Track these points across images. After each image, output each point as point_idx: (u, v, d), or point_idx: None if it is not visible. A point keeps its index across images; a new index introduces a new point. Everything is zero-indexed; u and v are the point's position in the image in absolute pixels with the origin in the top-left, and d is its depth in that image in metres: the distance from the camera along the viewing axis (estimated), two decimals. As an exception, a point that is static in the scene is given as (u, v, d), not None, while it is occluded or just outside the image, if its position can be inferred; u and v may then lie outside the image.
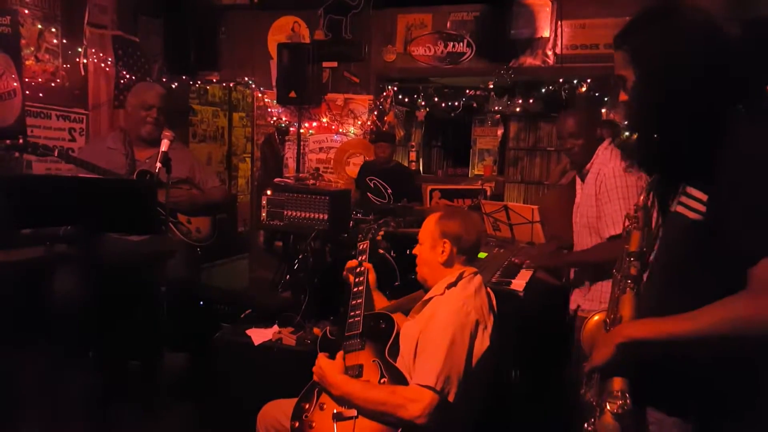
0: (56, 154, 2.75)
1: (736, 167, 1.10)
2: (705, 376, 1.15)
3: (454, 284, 1.82)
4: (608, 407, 1.14)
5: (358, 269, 2.15)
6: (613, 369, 1.18)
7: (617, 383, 1.17)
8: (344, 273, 2.21)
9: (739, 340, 1.05)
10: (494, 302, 1.89)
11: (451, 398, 1.62)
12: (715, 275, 1.12)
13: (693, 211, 1.16)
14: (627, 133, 1.46)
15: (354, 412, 1.68)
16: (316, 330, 2.57)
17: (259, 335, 2.53)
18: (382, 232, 2.55)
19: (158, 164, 2.36)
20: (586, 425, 1.19)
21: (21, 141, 2.75)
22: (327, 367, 1.78)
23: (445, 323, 1.69)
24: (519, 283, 2.48)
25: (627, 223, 1.39)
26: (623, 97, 1.34)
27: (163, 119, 3.01)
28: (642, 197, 1.39)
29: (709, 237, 1.12)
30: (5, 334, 1.96)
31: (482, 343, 1.73)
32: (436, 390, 1.59)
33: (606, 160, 2.28)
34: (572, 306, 2.45)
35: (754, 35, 1.26)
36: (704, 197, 1.14)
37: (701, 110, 1.15)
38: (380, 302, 2.17)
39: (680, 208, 1.20)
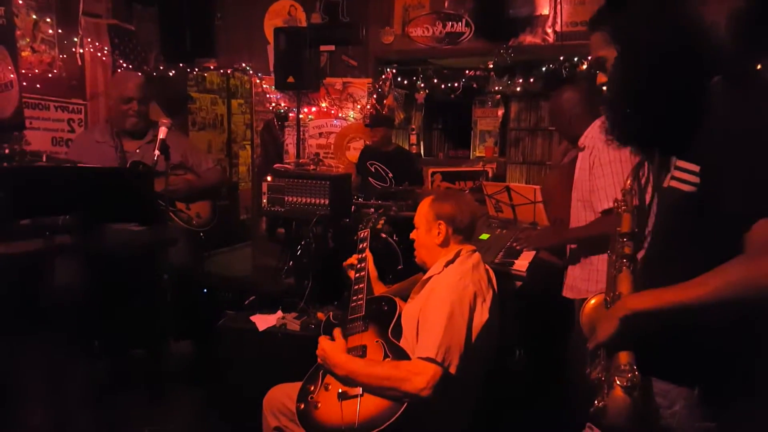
0: (44, 160, 2.72)
1: (724, 135, 1.10)
2: (707, 343, 1.16)
3: (452, 261, 1.86)
4: (617, 381, 1.15)
5: (359, 256, 2.19)
6: (618, 343, 1.19)
7: (624, 357, 1.18)
8: (344, 264, 2.23)
9: (739, 303, 1.06)
10: (493, 279, 1.91)
11: (452, 370, 1.64)
12: (712, 245, 1.12)
13: (686, 184, 1.17)
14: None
15: (359, 391, 1.70)
16: (320, 315, 2.58)
17: (263, 321, 2.54)
18: (382, 221, 2.56)
19: (156, 152, 2.35)
20: (596, 402, 1.20)
21: (7, 151, 2.73)
22: (329, 348, 1.81)
23: (443, 296, 1.73)
24: (522, 264, 2.48)
25: (616, 206, 1.41)
26: (602, 78, 1.35)
27: (145, 108, 2.98)
28: (629, 182, 1.41)
29: (704, 207, 1.13)
30: (8, 326, 1.97)
31: (481, 315, 1.76)
32: (437, 362, 1.62)
33: (599, 134, 2.27)
34: (567, 281, 2.45)
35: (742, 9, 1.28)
36: (696, 168, 1.15)
37: (685, 83, 1.16)
38: (380, 291, 2.21)
39: (674, 183, 1.21)
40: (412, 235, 2.04)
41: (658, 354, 1.19)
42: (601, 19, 1.31)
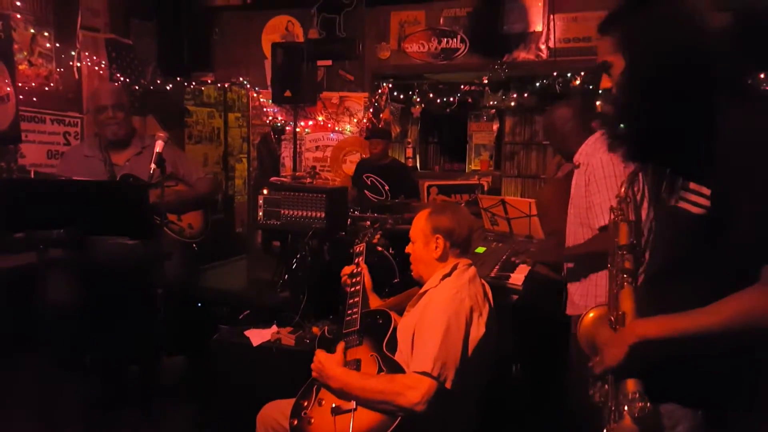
0: (32, 176, 2.70)
1: (739, 160, 1.08)
2: (712, 366, 1.14)
3: (448, 275, 1.84)
4: (627, 410, 1.13)
5: (354, 270, 2.18)
6: (627, 369, 1.16)
7: (632, 384, 1.16)
8: (342, 281, 2.21)
9: (751, 333, 1.05)
10: (489, 293, 1.90)
11: (448, 385, 1.63)
12: (722, 271, 1.10)
13: (696, 206, 1.15)
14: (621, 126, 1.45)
15: (352, 405, 1.68)
16: (315, 329, 2.56)
17: (257, 336, 2.52)
18: (378, 235, 2.56)
19: (152, 165, 2.34)
20: (605, 430, 1.18)
21: None
22: (326, 360, 1.80)
23: (439, 310, 1.71)
24: (518, 277, 2.48)
25: (612, 216, 1.38)
26: (606, 83, 1.32)
27: (123, 115, 2.91)
28: (623, 189, 1.38)
29: (716, 232, 1.11)
30: (0, 341, 1.95)
31: (478, 329, 1.75)
32: (433, 376, 1.60)
33: (594, 151, 2.28)
34: (569, 299, 2.45)
35: (744, 24, 1.25)
36: (707, 191, 1.12)
37: (695, 99, 1.13)
38: (375, 304, 2.19)
39: (682, 204, 1.18)
40: (407, 249, 2.01)
41: (665, 376, 1.17)
42: (610, 23, 1.27)
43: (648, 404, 1.13)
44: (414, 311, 1.84)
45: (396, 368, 1.74)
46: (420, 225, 1.95)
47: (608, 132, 1.26)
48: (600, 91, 1.36)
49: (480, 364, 1.77)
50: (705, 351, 1.12)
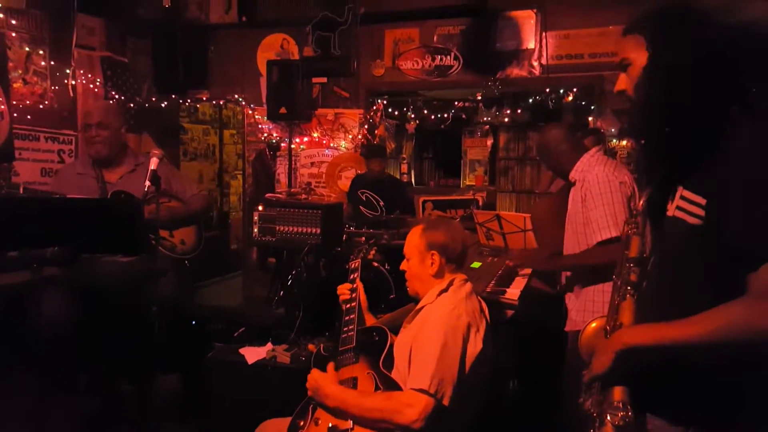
0: (21, 191, 2.67)
1: (736, 171, 1.09)
2: (704, 383, 1.13)
3: (445, 290, 1.84)
4: (609, 419, 1.13)
5: (350, 286, 2.17)
6: (614, 377, 1.16)
7: (618, 393, 1.15)
8: (341, 299, 2.19)
9: (738, 345, 1.04)
10: (485, 308, 1.90)
11: (446, 402, 1.62)
12: (715, 280, 1.11)
13: (692, 216, 1.15)
14: (623, 142, 1.44)
15: (349, 424, 1.67)
16: (310, 346, 2.54)
17: (252, 354, 2.50)
18: (373, 251, 2.56)
19: (147, 182, 2.34)
20: None
21: None
22: (321, 379, 1.78)
23: (436, 326, 1.70)
24: (513, 292, 2.48)
25: (626, 229, 1.37)
26: (622, 84, 1.29)
27: (108, 134, 2.86)
28: (642, 201, 1.38)
29: (709, 242, 1.11)
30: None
31: (475, 346, 1.74)
32: (430, 393, 1.59)
33: (591, 167, 2.30)
34: (567, 314, 2.45)
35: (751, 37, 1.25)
36: (703, 201, 1.13)
37: (710, 106, 1.13)
38: (370, 323, 2.17)
39: (678, 213, 1.19)
40: (402, 266, 2.00)
41: (655, 390, 1.17)
42: (640, 23, 1.26)
43: (630, 414, 1.12)
44: (411, 328, 1.83)
45: (393, 386, 1.72)
46: (414, 242, 1.94)
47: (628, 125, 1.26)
48: (615, 93, 1.32)
49: (477, 380, 1.76)
50: (696, 366, 1.12)
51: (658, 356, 1.13)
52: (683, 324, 1.08)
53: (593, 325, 1.35)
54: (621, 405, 1.13)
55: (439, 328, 1.69)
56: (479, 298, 1.93)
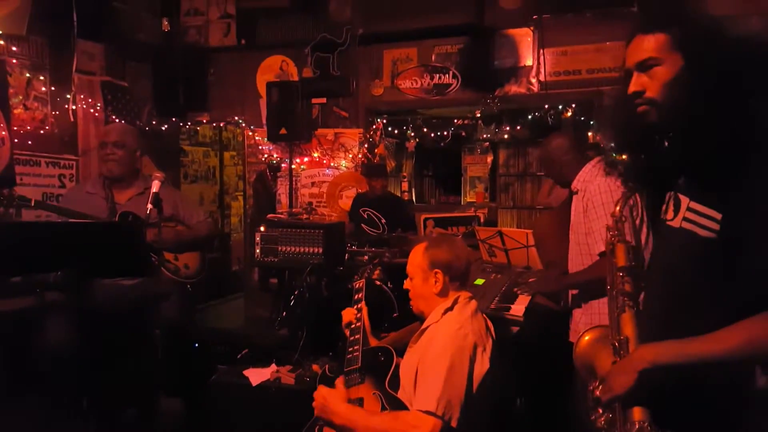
0: (33, 204, 2.70)
1: (757, 186, 1.06)
2: (719, 399, 1.12)
3: (450, 309, 1.82)
4: None
5: (355, 306, 2.15)
6: (635, 397, 1.13)
7: (638, 413, 1.13)
8: (343, 324, 2.17)
9: (761, 361, 1.03)
10: (491, 326, 1.88)
11: (453, 423, 1.59)
12: (730, 294, 1.09)
13: (704, 229, 1.13)
14: (614, 155, 1.42)
15: None
16: (315, 367, 2.52)
17: (256, 375, 2.47)
18: (378, 271, 2.55)
19: (149, 205, 2.34)
20: None
21: None
22: (329, 396, 1.76)
23: (443, 347, 1.68)
24: (518, 308, 2.46)
25: (609, 236, 1.35)
26: (638, 85, 1.18)
27: (123, 154, 2.90)
28: (618, 208, 1.36)
29: (725, 256, 1.09)
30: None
31: (482, 365, 1.72)
32: (437, 415, 1.57)
33: (593, 177, 2.31)
34: (572, 326, 2.43)
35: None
36: (716, 215, 1.10)
37: (740, 117, 1.08)
38: (374, 345, 2.15)
39: (687, 225, 1.16)
40: (406, 285, 1.98)
41: (674, 407, 1.14)
42: (668, 19, 1.16)
43: None
44: (416, 348, 1.81)
45: (400, 406, 1.71)
46: (417, 260, 1.92)
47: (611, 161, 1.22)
48: (630, 94, 1.20)
49: (485, 399, 1.74)
50: (712, 381, 1.10)
51: (681, 374, 1.10)
52: (708, 340, 1.06)
53: (587, 337, 1.33)
54: (646, 425, 1.11)
55: (446, 348, 1.67)
56: (484, 315, 1.91)
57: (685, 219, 1.18)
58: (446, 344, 1.69)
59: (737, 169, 1.09)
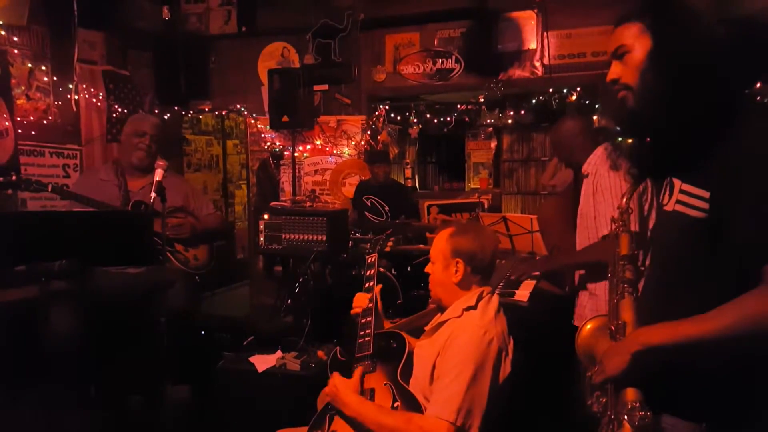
0: (50, 190, 2.73)
1: (742, 164, 1.07)
2: (716, 379, 1.12)
3: (473, 307, 1.70)
4: (627, 419, 1.11)
5: (367, 284, 2.00)
6: (628, 378, 1.14)
7: (631, 394, 1.14)
8: (352, 312, 2.01)
9: (756, 338, 1.03)
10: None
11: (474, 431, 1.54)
12: (721, 273, 1.10)
13: (694, 209, 1.14)
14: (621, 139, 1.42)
15: None
16: (320, 353, 2.54)
17: (262, 362, 2.49)
18: (390, 243, 2.48)
19: (153, 194, 2.35)
20: None
21: (14, 178, 2.73)
22: (342, 385, 1.70)
23: (465, 354, 1.58)
24: (523, 294, 2.46)
25: (614, 226, 1.36)
26: (615, 73, 1.24)
27: (155, 149, 3.00)
28: (625, 200, 1.37)
29: (714, 235, 1.10)
30: (5, 374, 1.93)
31: (504, 371, 1.66)
32: (456, 425, 1.50)
33: (603, 161, 2.30)
34: (576, 310, 2.43)
35: (739, 35, 1.24)
36: (706, 194, 1.12)
37: (714, 98, 1.12)
38: (387, 327, 2.03)
39: (679, 207, 1.18)
40: (427, 269, 1.85)
41: (667, 388, 1.15)
42: (639, 11, 1.22)
43: (648, 413, 1.11)
44: (434, 341, 1.71)
45: (411, 400, 1.64)
46: (440, 245, 1.78)
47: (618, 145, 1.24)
48: (608, 82, 1.27)
49: (502, 399, 1.67)
50: (707, 362, 1.11)
51: (674, 355, 1.11)
52: (700, 320, 1.07)
53: (589, 326, 1.33)
54: (638, 405, 1.12)
55: (469, 355, 1.58)
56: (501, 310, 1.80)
57: (678, 201, 1.19)
58: (470, 351, 1.58)
59: (719, 146, 1.10)
